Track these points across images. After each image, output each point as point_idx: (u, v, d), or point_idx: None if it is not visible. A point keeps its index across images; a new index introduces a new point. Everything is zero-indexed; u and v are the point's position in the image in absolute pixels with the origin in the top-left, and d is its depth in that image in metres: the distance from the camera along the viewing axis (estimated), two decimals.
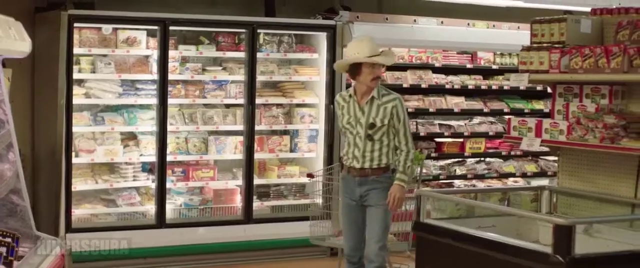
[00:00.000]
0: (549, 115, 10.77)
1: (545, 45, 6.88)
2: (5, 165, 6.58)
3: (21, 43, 6.30)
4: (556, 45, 6.77)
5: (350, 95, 7.18)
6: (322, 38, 10.19)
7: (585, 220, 6.71)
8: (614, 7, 7.11)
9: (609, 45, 6.46)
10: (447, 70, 11.20)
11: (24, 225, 6.45)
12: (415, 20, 10.68)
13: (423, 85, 10.88)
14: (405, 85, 10.75)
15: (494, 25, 11.14)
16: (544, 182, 10.78)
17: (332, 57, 10.03)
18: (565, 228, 5.62)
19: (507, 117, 11.36)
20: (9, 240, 5.58)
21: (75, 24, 8.99)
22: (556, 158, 11.35)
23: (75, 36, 9.05)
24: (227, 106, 10.06)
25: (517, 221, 7.14)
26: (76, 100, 9.13)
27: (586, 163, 7.06)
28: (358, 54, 7.08)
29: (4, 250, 5.40)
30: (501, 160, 11.60)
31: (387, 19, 10.52)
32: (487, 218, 7.10)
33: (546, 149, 7.43)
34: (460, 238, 6.44)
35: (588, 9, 9.64)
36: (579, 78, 6.61)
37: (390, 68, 10.70)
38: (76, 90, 9.13)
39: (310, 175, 9.51)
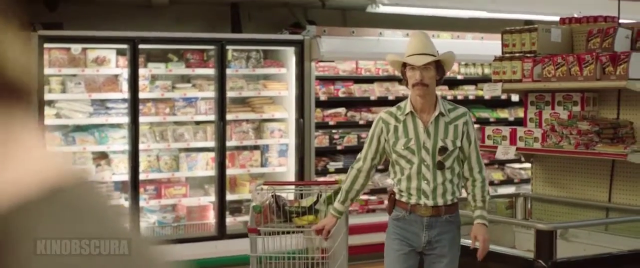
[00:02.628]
0: (513, 123, 11.04)
1: (517, 54, 7.00)
2: None
3: None
4: (528, 55, 6.90)
5: (406, 113, 5.64)
6: (289, 53, 10.26)
7: (565, 224, 6.83)
8: (583, 15, 7.25)
9: (581, 53, 6.60)
10: None
11: None
12: (381, 33, 10.78)
13: (390, 97, 10.96)
14: (372, 98, 10.86)
15: (458, 36, 11.27)
16: (510, 189, 10.96)
17: (300, 72, 10.11)
18: (547, 233, 5.76)
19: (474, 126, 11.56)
20: None
21: (45, 45, 8.99)
22: (522, 166, 11.65)
23: (45, 56, 9.05)
24: (198, 123, 10.09)
25: (493, 228, 7.23)
26: (47, 121, 9.12)
27: (560, 170, 7.19)
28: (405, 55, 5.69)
29: None
30: None
31: (353, 32, 10.61)
32: (462, 227, 7.20)
33: (513, 157, 7.54)
34: None
35: (548, 18, 9.88)
36: (552, 86, 6.74)
37: (358, 81, 10.82)
38: (47, 110, 9.13)
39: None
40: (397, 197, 5.72)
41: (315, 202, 6.61)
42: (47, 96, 9.15)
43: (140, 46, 9.45)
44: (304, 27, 10.33)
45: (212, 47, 9.89)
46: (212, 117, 9.95)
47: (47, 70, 9.11)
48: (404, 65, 5.57)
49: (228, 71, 9.92)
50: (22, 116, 0.80)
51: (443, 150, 5.59)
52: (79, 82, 9.40)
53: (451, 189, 5.62)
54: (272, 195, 6.57)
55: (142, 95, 9.52)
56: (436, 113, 5.59)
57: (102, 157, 9.72)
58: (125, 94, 9.47)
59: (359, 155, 5.92)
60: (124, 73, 9.51)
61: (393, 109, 5.78)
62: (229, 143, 10.02)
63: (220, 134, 9.87)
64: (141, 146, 9.58)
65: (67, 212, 0.82)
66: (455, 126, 5.64)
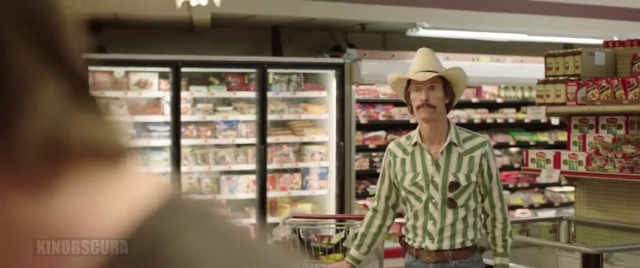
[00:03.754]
0: (554, 146, 10.99)
1: (560, 78, 6.97)
2: None
3: None
4: (572, 78, 6.87)
5: (414, 144, 4.95)
6: (330, 76, 10.28)
7: (611, 248, 6.76)
8: (626, 39, 7.22)
9: (625, 77, 6.57)
10: None
11: None
12: None
13: None
14: (412, 121, 10.81)
15: (498, 59, 11.25)
16: (551, 213, 10.90)
17: (341, 95, 10.13)
18: (594, 257, 5.71)
19: (514, 149, 11.51)
20: None
21: (88, 68, 9.05)
22: (563, 189, 11.59)
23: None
24: (239, 146, 10.14)
25: (536, 252, 7.20)
26: None
27: (603, 193, 7.13)
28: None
29: None
30: (508, 193, 11.68)
31: (394, 55, 10.62)
32: None
33: (555, 180, 7.50)
34: None
35: (588, 41, 9.84)
36: (596, 109, 6.71)
37: (398, 104, 10.81)
38: None
39: None
40: (405, 239, 5.08)
41: (343, 239, 5.94)
42: None
43: (182, 69, 9.53)
44: (344, 51, 10.36)
45: (253, 70, 9.94)
46: (253, 140, 9.99)
47: None
48: (408, 85, 4.89)
49: (269, 94, 9.97)
50: (112, 171, 0.80)
51: (454, 185, 4.84)
52: (122, 104, 9.42)
53: (463, 230, 4.87)
54: (294, 230, 5.93)
55: (183, 118, 9.59)
56: (446, 142, 4.85)
57: None
58: (167, 117, 9.54)
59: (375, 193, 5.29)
60: (166, 96, 9.58)
61: (402, 139, 5.12)
62: (269, 166, 10.06)
63: (261, 156, 9.91)
64: (183, 169, 9.63)
65: (198, 220, 0.83)
66: (471, 158, 4.86)
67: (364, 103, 10.65)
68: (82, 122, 0.76)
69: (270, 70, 10.01)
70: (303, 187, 10.40)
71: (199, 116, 9.81)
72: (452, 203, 4.87)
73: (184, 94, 9.63)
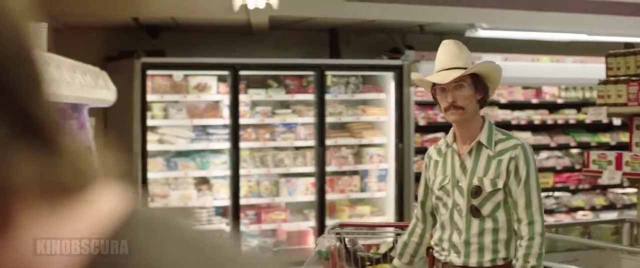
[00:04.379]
0: (615, 147, 10.84)
1: (622, 78, 6.88)
2: None
3: (107, 92, 6.45)
4: (633, 78, 6.78)
5: (447, 144, 4.48)
6: (388, 78, 10.25)
7: None
8: None
9: None
10: (512, 105, 11.21)
11: None
12: (480, 58, 10.69)
13: None
14: None
15: (557, 60, 11.13)
16: (613, 215, 10.76)
17: (399, 97, 10.10)
18: None
19: (575, 150, 11.38)
20: None
21: (148, 72, 9.15)
22: (625, 191, 11.43)
23: (148, 83, 9.21)
24: (297, 148, 10.14)
25: (598, 255, 7.11)
26: (150, 146, 9.27)
27: None
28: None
29: None
30: (570, 194, 11.56)
31: None
32: (567, 253, 7.08)
33: (617, 182, 7.39)
34: None
35: None
36: None
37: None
38: (150, 136, 9.28)
39: None
40: (433, 251, 4.57)
41: (391, 249, 5.51)
42: (150, 122, 9.30)
43: (241, 72, 9.56)
44: (402, 52, 10.33)
45: (311, 72, 9.95)
46: (311, 142, 10.00)
47: (150, 97, 9.26)
48: (434, 85, 4.37)
49: (327, 96, 9.97)
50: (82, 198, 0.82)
51: (477, 191, 4.29)
52: (181, 108, 9.54)
53: (492, 246, 4.28)
54: (340, 239, 5.45)
55: (242, 120, 9.62)
56: (474, 142, 4.33)
57: (203, 182, 9.84)
58: (226, 120, 9.58)
59: None
60: (225, 99, 9.62)
61: (440, 142, 4.61)
62: (328, 169, 10.05)
63: (320, 159, 9.91)
64: (242, 171, 9.67)
65: (162, 229, 0.85)
66: (499, 162, 4.27)
67: (423, 104, 10.58)
68: (28, 161, 0.77)
69: (328, 73, 10.01)
70: (362, 190, 10.37)
71: (257, 119, 9.83)
72: (476, 212, 4.30)
73: (242, 97, 9.66)
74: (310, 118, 9.99)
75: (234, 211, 9.63)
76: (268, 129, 9.94)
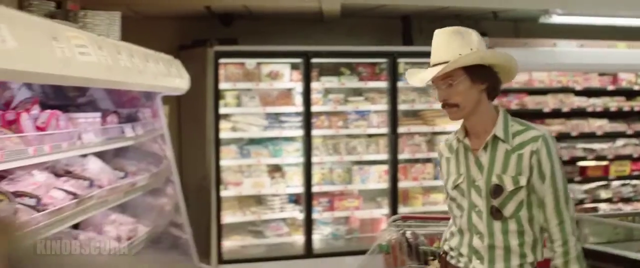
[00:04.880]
0: None
1: None
2: (164, 199, 6.79)
3: (180, 80, 6.51)
4: None
5: (458, 140, 4.09)
6: None
7: None
8: None
9: None
10: (588, 92, 11.04)
11: (186, 257, 6.63)
12: (554, 44, 10.57)
13: (564, 109, 10.74)
14: (546, 110, 10.64)
15: (634, 46, 10.94)
16: None
17: None
18: None
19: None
20: None
21: (221, 60, 9.20)
22: None
23: (221, 71, 9.25)
24: (370, 136, 10.12)
25: None
26: (223, 134, 9.32)
27: None
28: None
29: None
30: None
31: (526, 43, 10.44)
32: None
33: None
34: (623, 263, 6.31)
35: None
36: None
37: (531, 92, 10.59)
38: (223, 124, 9.33)
39: None
40: (448, 258, 4.19)
41: None
42: (223, 110, 9.35)
43: (313, 60, 9.56)
44: None
45: (383, 60, 9.91)
46: (384, 130, 9.97)
47: (223, 85, 9.31)
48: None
49: (400, 84, 9.92)
50: None
51: (497, 190, 3.90)
52: (254, 96, 9.58)
53: (519, 249, 3.93)
54: (402, 233, 5.19)
55: (315, 108, 9.62)
56: (489, 136, 3.93)
57: (276, 169, 9.87)
58: (299, 108, 9.59)
59: None
60: (297, 87, 9.64)
61: (451, 135, 4.20)
62: (401, 156, 10.02)
63: (393, 146, 9.87)
64: (314, 159, 9.68)
65: None
66: (519, 156, 3.87)
67: None
68: None
69: (401, 60, 9.95)
70: (435, 177, 10.31)
71: (330, 106, 9.83)
72: (497, 214, 3.92)
73: (315, 85, 9.66)
74: (383, 105, 9.96)
75: (307, 198, 9.66)
76: (341, 116, 9.93)
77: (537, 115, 10.61)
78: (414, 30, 10.52)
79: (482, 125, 3.93)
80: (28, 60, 3.33)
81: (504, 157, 3.88)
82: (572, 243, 3.85)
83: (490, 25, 10.76)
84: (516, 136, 3.89)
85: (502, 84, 3.98)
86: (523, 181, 3.85)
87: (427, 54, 9.67)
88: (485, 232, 3.94)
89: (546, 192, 3.87)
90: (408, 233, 5.11)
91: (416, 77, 4.04)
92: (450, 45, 3.91)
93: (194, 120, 9.53)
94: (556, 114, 10.73)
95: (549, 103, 10.71)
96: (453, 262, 4.10)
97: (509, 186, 3.86)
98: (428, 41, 9.61)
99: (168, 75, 6.17)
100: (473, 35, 3.96)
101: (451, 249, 4.12)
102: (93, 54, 4.24)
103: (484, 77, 3.87)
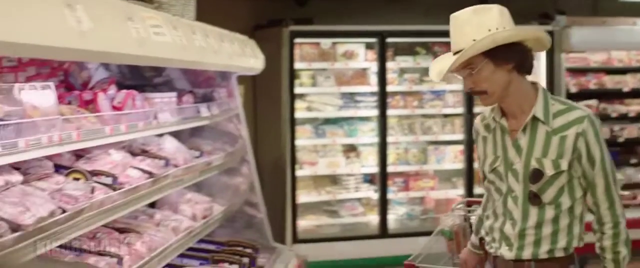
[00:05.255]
0: None
1: None
2: (239, 178, 6.83)
3: (255, 60, 6.54)
4: None
5: (495, 120, 3.84)
6: None
7: None
8: None
9: None
10: None
11: (260, 236, 6.67)
12: (634, 23, 10.38)
13: None
14: (625, 89, 10.46)
15: None
16: None
17: (550, 63, 9.88)
18: None
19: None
20: (249, 250, 5.79)
21: (296, 40, 9.21)
22: None
23: (296, 51, 9.27)
24: (446, 116, 10.06)
25: None
26: (298, 113, 9.35)
27: None
28: None
29: (246, 260, 5.61)
30: None
31: (605, 22, 10.27)
32: None
33: None
34: None
35: None
36: None
37: (610, 72, 10.40)
38: (298, 104, 9.35)
39: None
40: (484, 242, 4.02)
41: None
42: (298, 89, 9.37)
43: (388, 40, 9.53)
44: (553, 18, 10.09)
45: None
46: (460, 110, 9.91)
47: (298, 64, 9.33)
48: None
49: None
50: None
51: (537, 175, 3.66)
52: (329, 75, 9.58)
53: (552, 236, 3.72)
54: (465, 218, 4.91)
55: (390, 88, 9.59)
56: (528, 117, 3.67)
57: (351, 149, 9.88)
58: (374, 87, 9.58)
59: None
60: (373, 66, 9.62)
61: (487, 112, 3.94)
62: None
63: (468, 126, 9.80)
64: (389, 139, 9.66)
65: None
66: (562, 138, 3.61)
67: (574, 71, 10.32)
68: None
69: None
70: None
71: (405, 86, 9.79)
72: (535, 199, 3.68)
73: (390, 64, 9.64)
74: (458, 85, 9.89)
75: (382, 178, 9.65)
76: (416, 96, 9.89)
77: (616, 95, 10.44)
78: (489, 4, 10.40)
79: (518, 105, 3.69)
80: (103, 41, 3.36)
81: (544, 140, 3.64)
82: (623, 226, 3.71)
83: (568, 3, 10.63)
84: (558, 116, 3.63)
85: (536, 53, 3.79)
86: (564, 165, 3.62)
87: None
88: (519, 218, 3.72)
89: (596, 176, 3.65)
90: (472, 219, 4.76)
91: (435, 69, 3.84)
92: (464, 31, 3.67)
93: (269, 100, 9.56)
94: (636, 93, 10.54)
95: (629, 82, 10.52)
96: (487, 247, 3.94)
97: (549, 170, 3.63)
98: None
99: (243, 55, 6.20)
100: (493, 11, 3.67)
101: (486, 233, 3.93)
102: (168, 34, 4.27)
103: (508, 56, 3.60)
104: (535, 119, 3.65)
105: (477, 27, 3.63)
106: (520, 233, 3.72)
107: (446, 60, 3.75)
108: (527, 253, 3.73)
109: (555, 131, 3.62)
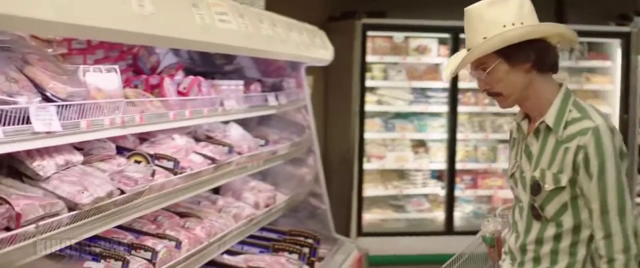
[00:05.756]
0: None
1: None
2: (305, 169, 6.86)
3: (324, 51, 6.55)
4: None
5: (522, 119, 3.51)
6: (615, 45, 9.88)
7: None
8: None
9: None
10: None
11: (323, 227, 6.70)
12: None
13: None
14: None
15: None
16: None
17: (626, 66, 9.72)
18: None
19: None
20: (311, 241, 5.81)
21: (368, 33, 9.20)
22: None
23: (368, 44, 9.26)
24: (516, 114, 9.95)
25: None
26: (368, 107, 9.34)
27: None
28: None
29: (307, 250, 5.63)
30: None
31: None
32: None
33: None
34: None
35: None
36: None
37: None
38: (368, 97, 9.34)
39: None
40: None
41: None
42: (369, 83, 9.36)
43: (461, 36, 9.45)
44: (631, 19, 9.93)
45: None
46: None
47: (370, 58, 9.31)
48: None
49: None
50: None
51: (536, 188, 3.33)
52: (400, 70, 9.56)
53: (550, 255, 3.36)
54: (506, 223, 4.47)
55: (462, 84, 9.53)
56: (539, 122, 3.34)
57: (420, 144, 9.84)
58: (446, 83, 9.52)
59: None
60: (445, 62, 9.55)
61: (517, 114, 3.59)
62: None
63: None
64: (459, 135, 9.60)
65: None
66: (566, 150, 3.24)
67: None
68: None
69: None
70: None
71: (476, 83, 9.70)
72: (535, 213, 3.37)
73: None
74: None
75: (450, 175, 9.59)
76: None
77: None
78: (567, 7, 10.29)
79: (538, 108, 3.34)
80: (165, 26, 3.40)
81: (552, 149, 3.28)
82: (619, 264, 3.17)
83: None
84: (569, 125, 3.25)
85: (561, 50, 3.46)
86: (564, 180, 3.25)
87: (580, 33, 9.29)
88: (522, 231, 3.43)
89: (592, 196, 3.20)
90: None
91: (448, 67, 3.53)
92: (475, 27, 3.34)
93: (340, 92, 9.57)
94: None
95: None
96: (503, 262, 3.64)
97: (549, 184, 3.28)
98: (582, 19, 9.33)
99: (312, 46, 6.21)
100: (510, 4, 3.31)
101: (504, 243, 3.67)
102: (233, 21, 4.30)
103: (524, 55, 3.27)
104: (544, 126, 3.32)
105: (490, 24, 3.29)
106: (521, 248, 3.44)
107: (459, 59, 3.44)
108: None
109: (562, 141, 3.25)
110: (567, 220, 3.30)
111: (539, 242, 3.36)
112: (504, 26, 3.25)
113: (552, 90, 3.37)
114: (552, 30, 3.31)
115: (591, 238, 3.29)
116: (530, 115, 3.41)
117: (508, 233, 3.59)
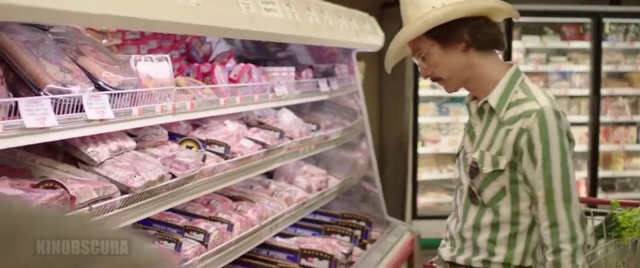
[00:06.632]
0: None
1: None
2: (358, 153, 6.96)
3: (374, 37, 6.63)
4: None
5: (471, 100, 3.36)
6: None
7: None
8: None
9: None
10: None
11: (375, 210, 6.79)
12: None
13: None
14: None
15: None
16: None
17: None
18: None
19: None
20: (363, 224, 5.92)
21: None
22: None
23: None
24: (571, 97, 9.97)
25: None
26: (422, 91, 9.41)
27: None
28: None
29: (358, 233, 5.74)
30: None
31: None
32: None
33: None
34: None
35: None
36: None
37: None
38: (422, 81, 9.41)
39: None
40: None
41: (599, 227, 3.76)
42: None
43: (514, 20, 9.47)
44: None
45: (588, 20, 9.72)
46: (586, 91, 9.81)
47: None
48: None
49: (604, 44, 9.71)
50: None
51: (473, 170, 3.17)
52: None
53: (488, 244, 3.20)
54: None
55: None
56: (481, 102, 3.20)
57: None
58: None
59: None
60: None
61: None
62: (603, 119, 9.83)
63: (594, 108, 9.70)
64: None
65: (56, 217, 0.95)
66: (507, 132, 3.08)
67: None
68: None
69: (606, 20, 9.74)
70: (638, 141, 10.07)
71: (531, 66, 9.74)
72: (474, 198, 3.20)
73: (516, 44, 9.60)
74: (585, 66, 9.79)
75: None
76: (542, 76, 9.83)
77: None
78: None
79: (483, 89, 3.20)
80: (210, 15, 3.52)
81: (494, 131, 3.12)
82: (567, 253, 3.01)
83: None
84: (513, 106, 3.10)
85: (499, 21, 3.22)
86: (503, 164, 3.08)
87: (636, 15, 9.31)
88: (461, 216, 3.27)
89: (536, 183, 3.04)
90: None
91: (386, 59, 3.36)
92: (406, 12, 3.21)
93: (394, 78, 9.63)
94: None
95: None
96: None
97: (487, 167, 3.11)
98: (637, 1, 9.16)
99: (361, 32, 6.29)
100: None
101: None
102: (280, 10, 4.40)
103: (456, 35, 3.12)
104: (488, 108, 3.17)
105: (418, 7, 3.13)
106: (459, 234, 3.28)
107: (391, 50, 3.29)
108: (461, 258, 3.28)
109: (504, 123, 3.09)
110: (505, 208, 3.14)
111: (477, 228, 3.20)
112: (433, 7, 3.09)
113: (498, 70, 3.20)
114: (478, 6, 3.10)
115: (530, 230, 3.14)
116: (477, 96, 3.26)
117: (450, 218, 3.43)
